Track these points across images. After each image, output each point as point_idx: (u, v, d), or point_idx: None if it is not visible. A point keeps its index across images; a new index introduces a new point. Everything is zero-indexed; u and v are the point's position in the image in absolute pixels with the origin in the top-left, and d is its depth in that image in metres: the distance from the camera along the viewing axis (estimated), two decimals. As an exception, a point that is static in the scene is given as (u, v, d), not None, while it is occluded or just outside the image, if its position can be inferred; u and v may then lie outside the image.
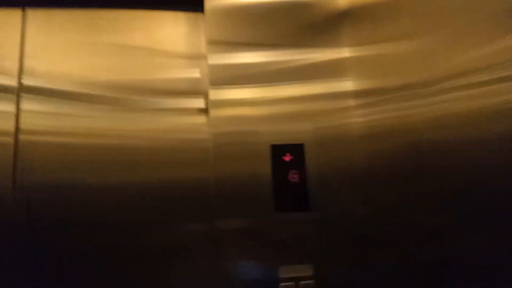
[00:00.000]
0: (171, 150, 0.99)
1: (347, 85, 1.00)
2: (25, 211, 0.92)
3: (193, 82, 1.04)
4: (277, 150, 0.95)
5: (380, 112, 0.92)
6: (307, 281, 0.89)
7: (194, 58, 1.05)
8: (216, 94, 0.96)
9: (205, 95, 1.03)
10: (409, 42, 0.86)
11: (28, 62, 0.99)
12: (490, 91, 0.60)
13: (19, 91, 0.97)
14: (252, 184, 0.93)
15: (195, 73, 1.05)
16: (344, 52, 1.01)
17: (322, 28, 1.02)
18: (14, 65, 0.98)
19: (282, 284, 0.88)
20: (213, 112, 0.95)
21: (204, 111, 1.03)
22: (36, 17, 1.02)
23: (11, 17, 1.01)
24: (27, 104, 0.97)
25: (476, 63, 0.63)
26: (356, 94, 0.99)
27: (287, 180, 0.94)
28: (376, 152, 0.91)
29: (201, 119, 1.03)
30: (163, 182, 0.97)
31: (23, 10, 1.02)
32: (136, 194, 0.96)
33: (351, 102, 0.99)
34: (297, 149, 0.95)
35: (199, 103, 1.04)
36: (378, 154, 0.91)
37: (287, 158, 0.95)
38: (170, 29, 1.05)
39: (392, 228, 0.84)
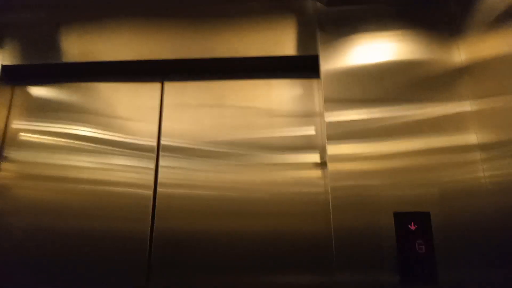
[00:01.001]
0: (289, 202, 1.04)
1: (471, 138, 0.96)
2: (165, 253, 1.02)
3: (308, 138, 1.11)
4: (401, 217, 0.92)
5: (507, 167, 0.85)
6: None
7: (309, 116, 1.13)
8: (334, 149, 1.00)
9: (321, 150, 1.08)
10: None
11: (166, 125, 1.16)
12: None
13: (158, 150, 1.14)
14: (372, 241, 0.90)
15: (311, 131, 1.12)
16: (465, 106, 1.00)
17: (437, 83, 1.03)
18: (154, 128, 1.16)
19: None
20: (331, 166, 0.99)
21: (319, 165, 1.07)
22: (173, 88, 1.20)
23: (153, 89, 1.20)
24: (165, 161, 1.12)
25: None
26: (482, 147, 0.94)
27: (414, 251, 0.89)
28: (508, 208, 0.83)
29: (316, 173, 1.07)
30: (280, 232, 1.01)
31: (162, 83, 1.22)
32: (254, 242, 1.01)
33: (477, 156, 0.95)
34: (422, 217, 0.92)
35: (315, 158, 1.09)
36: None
37: (413, 227, 0.92)
38: (288, 93, 1.17)
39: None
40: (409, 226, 0.91)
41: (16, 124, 1.18)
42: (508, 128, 0.87)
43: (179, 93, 1.19)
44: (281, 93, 1.17)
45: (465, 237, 0.89)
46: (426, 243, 0.89)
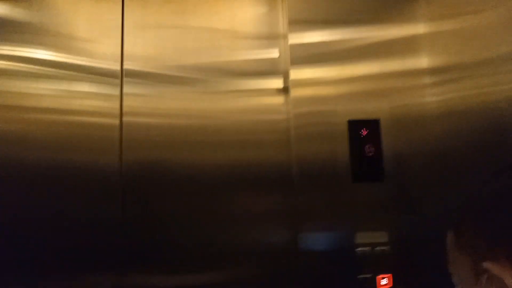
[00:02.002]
0: (251, 130, 1.06)
1: (422, 62, 1.04)
2: (129, 184, 1.02)
3: (272, 62, 1.11)
4: (354, 124, 1.02)
5: (457, 90, 0.95)
6: (383, 247, 0.97)
7: (274, 38, 1.11)
8: (296, 74, 1.04)
9: (284, 75, 1.10)
10: (487, 14, 0.87)
11: (128, 48, 1.08)
12: None
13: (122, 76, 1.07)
14: (330, 161, 1.01)
15: (274, 53, 1.11)
16: (419, 28, 1.05)
17: (396, 3, 1.06)
18: (117, 51, 1.08)
19: (359, 249, 0.97)
20: (294, 92, 1.04)
21: (282, 91, 1.10)
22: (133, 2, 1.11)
23: (114, 4, 1.10)
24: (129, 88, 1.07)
25: None
26: (432, 71, 1.03)
27: (364, 154, 1.02)
28: (452, 131, 0.96)
29: (279, 99, 1.09)
30: (244, 159, 1.04)
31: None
32: (218, 172, 1.03)
33: (427, 80, 1.04)
34: (373, 124, 1.02)
35: (278, 83, 1.10)
36: (455, 132, 0.95)
37: (364, 132, 1.02)
38: (252, 11, 1.12)
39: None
40: (360, 132, 1.02)
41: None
42: (457, 52, 0.95)
43: (140, 7, 1.10)
44: (245, 12, 1.13)
45: (412, 150, 1.02)
46: (375, 147, 1.02)
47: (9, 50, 1.04)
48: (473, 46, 0.91)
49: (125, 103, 1.06)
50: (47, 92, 1.04)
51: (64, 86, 1.05)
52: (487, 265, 0.39)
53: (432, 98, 1.03)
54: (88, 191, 1.01)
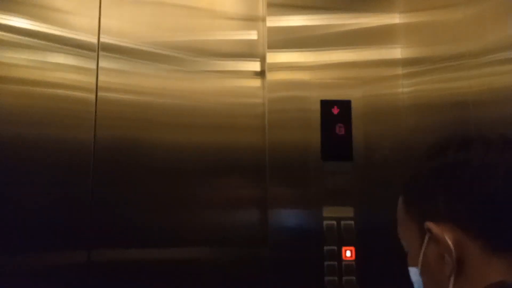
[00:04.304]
0: (227, 113, 1.06)
1: (396, 52, 1.07)
2: (101, 161, 1.02)
3: (250, 44, 1.11)
4: (326, 104, 1.04)
5: (426, 83, 0.98)
6: (348, 221, 1.02)
7: (252, 20, 1.12)
8: (273, 57, 1.05)
9: (261, 58, 1.10)
10: (460, 9, 0.89)
11: (105, 21, 1.06)
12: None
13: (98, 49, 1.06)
14: (303, 143, 1.03)
15: (253, 35, 1.12)
16: (395, 18, 1.07)
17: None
18: (95, 23, 1.06)
19: (325, 222, 1.01)
20: (270, 76, 1.05)
21: (260, 74, 1.11)
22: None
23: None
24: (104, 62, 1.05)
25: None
26: (404, 62, 1.06)
27: (334, 133, 1.05)
28: (421, 123, 0.99)
29: (256, 82, 1.10)
30: (217, 143, 1.05)
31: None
32: (190, 154, 1.04)
33: (399, 71, 1.06)
34: (344, 104, 1.05)
35: (255, 66, 1.11)
36: (424, 124, 0.98)
37: (335, 110, 1.05)
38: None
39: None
40: (332, 110, 1.05)
41: None
42: (430, 45, 0.97)
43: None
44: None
45: (382, 138, 1.05)
46: (345, 127, 1.04)
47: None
48: (445, 40, 0.94)
49: (100, 78, 1.05)
50: (19, 62, 1.02)
51: (38, 56, 1.03)
52: (429, 225, 0.45)
53: (404, 88, 1.06)
54: (59, 167, 1.00)
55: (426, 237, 0.45)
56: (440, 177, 0.47)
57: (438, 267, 0.44)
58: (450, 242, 0.42)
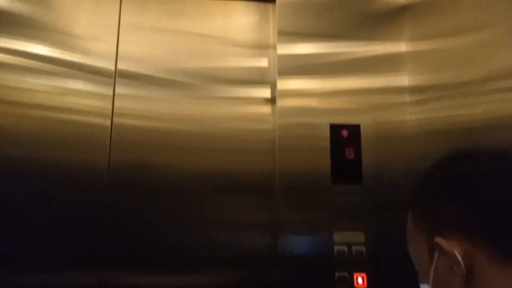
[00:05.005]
0: (238, 138, 1.09)
1: (404, 80, 1.09)
2: (116, 185, 1.04)
3: (261, 71, 1.14)
4: (336, 128, 1.06)
5: (433, 110, 0.99)
6: (359, 247, 1.01)
7: (264, 48, 1.16)
8: (283, 84, 1.07)
9: (272, 85, 1.13)
10: (467, 37, 0.91)
11: (122, 47, 1.11)
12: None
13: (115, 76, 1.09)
14: (312, 169, 1.04)
15: (264, 63, 1.15)
16: (402, 46, 1.09)
17: (382, 21, 1.10)
18: (113, 50, 1.10)
19: (336, 247, 1.01)
20: (280, 102, 1.07)
21: (269, 101, 1.13)
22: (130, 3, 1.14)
23: (112, 3, 1.13)
24: (121, 89, 1.09)
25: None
26: (412, 89, 1.08)
27: (344, 157, 1.06)
28: (429, 151, 0.99)
29: (267, 108, 1.13)
30: (228, 168, 1.07)
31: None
32: (203, 178, 1.06)
33: (406, 98, 1.08)
34: (353, 128, 1.07)
35: (266, 92, 1.14)
36: (431, 152, 0.98)
37: (344, 134, 1.06)
38: (244, 19, 1.16)
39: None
40: (341, 133, 1.06)
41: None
42: (437, 72, 0.98)
43: (138, 8, 1.13)
44: (238, 19, 1.17)
45: (391, 163, 1.06)
46: (355, 151, 1.06)
47: (4, 42, 1.05)
48: (451, 67, 0.95)
49: (116, 103, 1.08)
50: (40, 88, 1.06)
51: (58, 82, 1.07)
52: (437, 240, 0.45)
53: (411, 116, 1.07)
54: (75, 190, 1.03)
55: (436, 253, 0.46)
56: (448, 188, 0.48)
57: (448, 279, 0.44)
58: (458, 255, 0.43)
